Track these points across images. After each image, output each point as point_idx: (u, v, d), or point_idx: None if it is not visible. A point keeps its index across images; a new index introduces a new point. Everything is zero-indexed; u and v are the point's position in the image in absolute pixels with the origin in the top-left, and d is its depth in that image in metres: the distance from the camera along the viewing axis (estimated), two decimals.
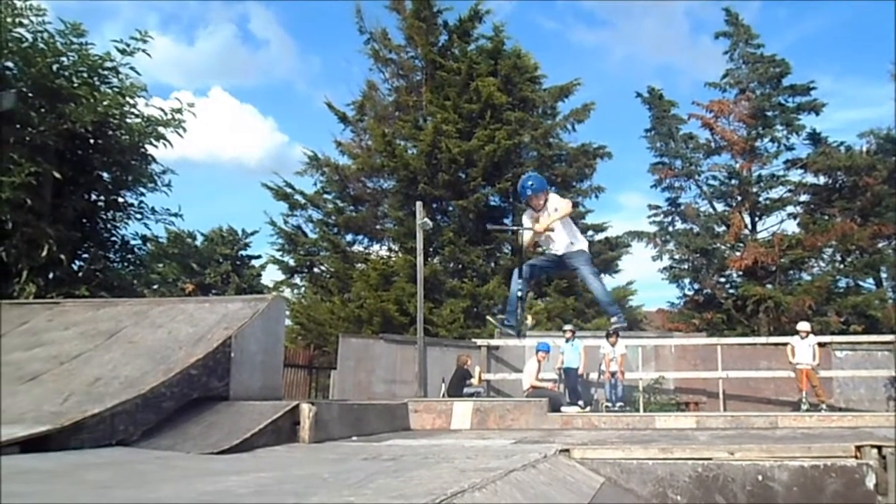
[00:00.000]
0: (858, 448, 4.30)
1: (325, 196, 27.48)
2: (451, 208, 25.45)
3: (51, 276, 10.35)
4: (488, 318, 7.99)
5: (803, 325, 16.04)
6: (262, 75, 77.30)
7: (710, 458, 4.42)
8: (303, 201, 27.14)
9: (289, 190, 26.87)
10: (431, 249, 24.03)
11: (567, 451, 4.67)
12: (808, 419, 9.10)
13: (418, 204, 17.92)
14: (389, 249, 27.05)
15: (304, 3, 65.75)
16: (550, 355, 15.35)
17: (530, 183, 7.72)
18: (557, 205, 7.60)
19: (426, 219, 17.80)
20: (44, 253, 9.90)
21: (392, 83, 28.16)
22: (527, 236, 7.86)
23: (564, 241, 7.58)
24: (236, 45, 79.43)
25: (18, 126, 10.14)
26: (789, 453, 4.42)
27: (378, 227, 26.98)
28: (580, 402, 14.51)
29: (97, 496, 3.06)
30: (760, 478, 4.27)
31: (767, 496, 4.25)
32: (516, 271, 7.84)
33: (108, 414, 4.95)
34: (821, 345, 16.01)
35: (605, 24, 68.79)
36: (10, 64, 10.44)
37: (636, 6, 64.06)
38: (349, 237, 27.36)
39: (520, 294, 7.65)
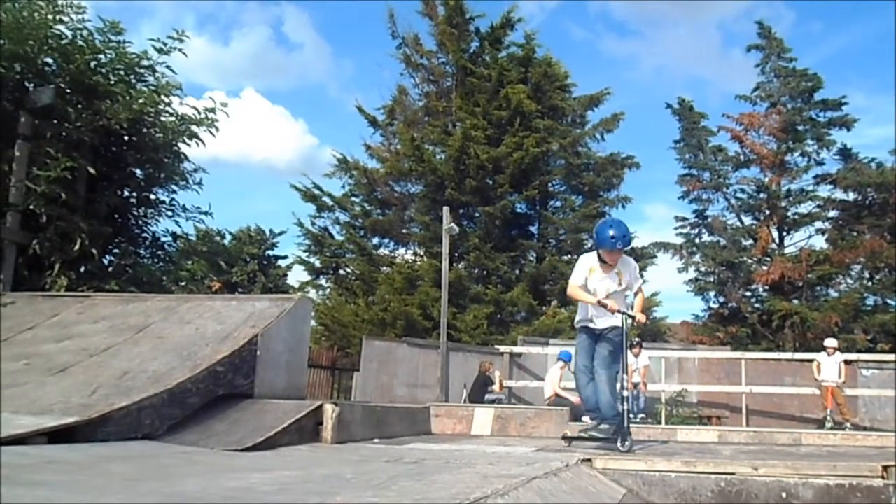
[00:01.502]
0: (885, 468, 4.24)
1: (353, 199, 27.60)
2: (477, 214, 25.49)
3: (82, 269, 10.47)
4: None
5: (830, 342, 15.80)
6: (294, 78, 77.99)
7: (733, 473, 4.38)
8: (330, 203, 27.28)
9: (317, 192, 27.04)
10: (457, 255, 24.06)
11: (589, 460, 4.66)
12: (832, 437, 8.99)
13: (445, 209, 17.95)
14: (415, 254, 27.15)
15: (338, 7, 66.30)
16: (571, 365, 15.29)
17: (624, 235, 6.21)
18: (635, 280, 6.50)
19: (453, 224, 17.82)
20: (76, 247, 10.02)
21: (422, 88, 28.27)
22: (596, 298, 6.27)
23: (616, 319, 6.35)
24: (270, 47, 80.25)
25: (56, 121, 10.28)
26: (814, 471, 4.36)
27: (404, 231, 27.04)
28: None
29: (123, 488, 3.10)
30: (784, 495, 4.22)
31: None
32: (608, 380, 6.39)
33: (135, 408, 5.00)
34: (847, 362, 15.79)
35: (636, 34, 68.62)
36: (49, 60, 10.58)
37: (668, 18, 63.82)
38: (375, 240, 27.48)
39: (624, 394, 6.23)
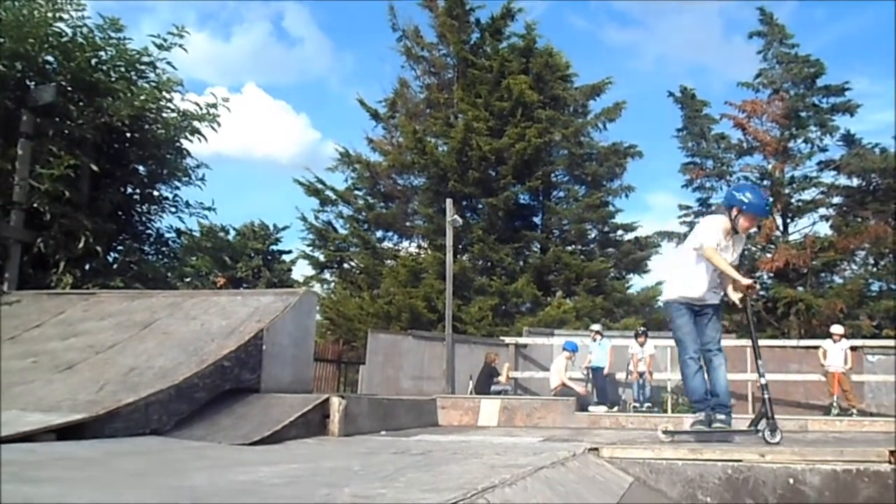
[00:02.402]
0: (892, 453, 4.24)
1: (356, 192, 27.65)
2: (480, 206, 25.49)
3: (87, 267, 10.47)
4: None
5: (837, 329, 15.77)
6: (296, 72, 77.85)
7: (740, 460, 4.38)
8: (334, 197, 27.33)
9: (320, 186, 27.11)
10: (461, 247, 24.06)
11: (596, 449, 4.67)
12: (838, 423, 8.98)
13: (448, 201, 17.93)
14: (419, 246, 27.18)
15: (338, 1, 66.08)
16: (578, 354, 15.32)
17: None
18: (739, 254, 6.03)
19: (456, 216, 17.79)
20: (80, 244, 10.02)
21: (424, 80, 28.28)
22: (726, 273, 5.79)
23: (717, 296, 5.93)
24: (271, 42, 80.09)
25: (58, 119, 10.28)
26: (821, 457, 4.36)
27: (408, 223, 27.07)
28: (608, 403, 14.45)
29: (132, 483, 3.12)
30: (791, 481, 4.22)
31: (798, 499, 4.19)
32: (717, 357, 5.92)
33: (143, 403, 5.02)
34: (853, 349, 15.76)
35: (637, 23, 68.27)
36: (50, 58, 10.56)
37: (670, 6, 63.59)
38: (379, 233, 27.54)
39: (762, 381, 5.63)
